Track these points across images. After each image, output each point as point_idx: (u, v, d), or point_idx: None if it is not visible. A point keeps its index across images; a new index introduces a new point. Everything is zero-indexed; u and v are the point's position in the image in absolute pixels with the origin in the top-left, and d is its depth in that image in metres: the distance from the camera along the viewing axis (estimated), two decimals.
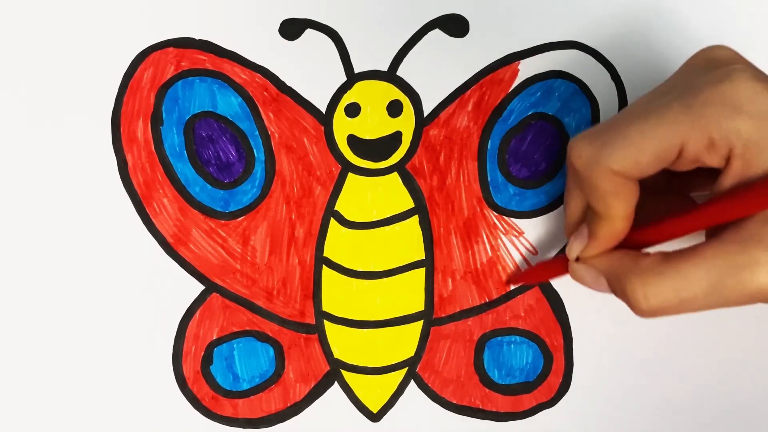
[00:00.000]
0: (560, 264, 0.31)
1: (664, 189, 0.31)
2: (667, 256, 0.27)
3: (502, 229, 0.35)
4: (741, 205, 0.25)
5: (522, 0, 0.34)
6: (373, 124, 0.34)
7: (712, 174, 0.27)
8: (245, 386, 0.35)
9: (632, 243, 0.29)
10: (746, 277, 0.25)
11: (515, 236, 0.35)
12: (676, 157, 0.26)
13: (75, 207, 0.34)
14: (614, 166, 0.26)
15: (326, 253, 0.34)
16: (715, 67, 0.26)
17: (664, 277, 0.26)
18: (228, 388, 0.35)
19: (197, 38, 0.34)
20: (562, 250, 0.34)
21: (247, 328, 0.35)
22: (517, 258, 0.35)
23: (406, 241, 0.34)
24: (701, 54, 0.28)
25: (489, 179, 0.34)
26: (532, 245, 0.35)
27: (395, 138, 0.34)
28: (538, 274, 0.34)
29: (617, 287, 0.28)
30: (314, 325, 0.35)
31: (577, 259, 0.30)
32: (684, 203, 0.31)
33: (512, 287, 0.35)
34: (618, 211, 0.27)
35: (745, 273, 0.25)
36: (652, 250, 0.28)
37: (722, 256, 0.25)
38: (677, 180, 0.30)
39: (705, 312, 0.35)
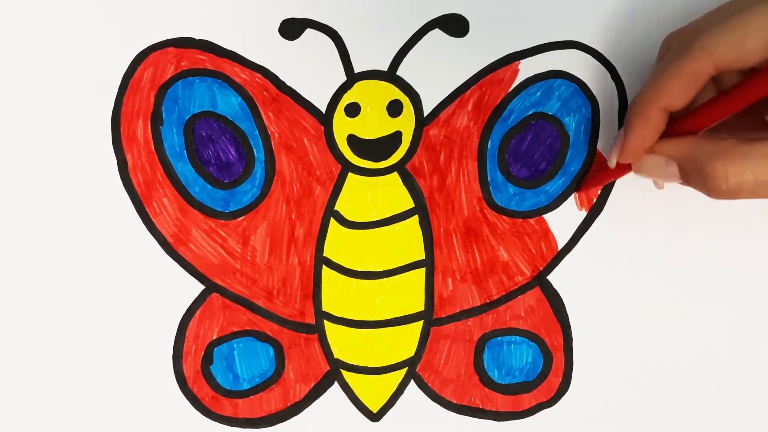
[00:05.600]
0: (620, 167, 0.32)
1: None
2: (749, 139, 0.27)
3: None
4: None
5: (522, 0, 0.34)
6: (373, 124, 0.34)
7: None
8: (245, 386, 0.35)
9: (693, 126, 0.29)
10: None
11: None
12: None
13: (75, 207, 0.34)
14: (716, 52, 0.27)
15: (326, 253, 0.34)
16: None
17: (748, 158, 0.27)
18: (228, 388, 0.35)
19: (197, 38, 0.34)
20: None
21: (247, 328, 0.35)
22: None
23: (406, 241, 0.34)
24: None
25: (489, 179, 0.34)
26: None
27: (395, 138, 0.34)
28: (604, 176, 0.34)
29: (693, 170, 0.29)
30: (314, 325, 0.35)
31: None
32: (755, 121, 0.31)
33: (580, 193, 0.35)
34: (676, 90, 0.28)
35: None
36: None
37: None
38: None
39: (705, 313, 0.35)
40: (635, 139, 0.30)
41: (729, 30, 0.26)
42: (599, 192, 0.35)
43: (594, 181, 0.34)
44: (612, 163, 0.31)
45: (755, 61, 0.26)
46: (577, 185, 0.34)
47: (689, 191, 0.34)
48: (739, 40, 0.26)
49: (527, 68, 0.34)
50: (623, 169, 0.32)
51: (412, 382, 0.35)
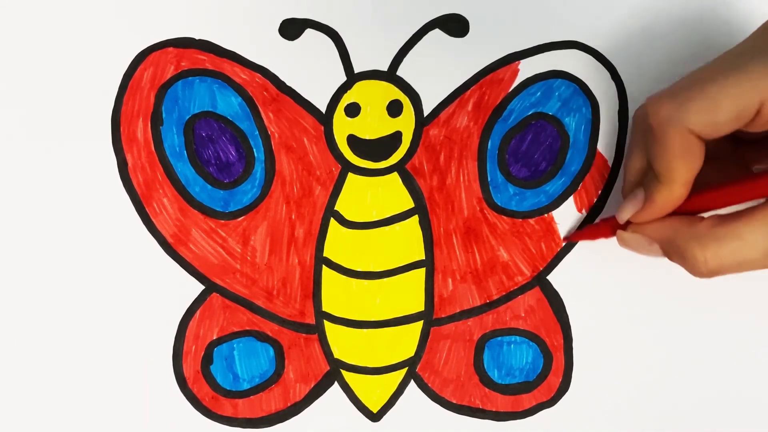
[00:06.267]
0: (610, 226, 0.32)
1: (724, 157, 0.31)
2: (723, 220, 0.27)
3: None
4: None
5: (522, 0, 0.34)
6: (373, 124, 0.34)
7: None
8: (245, 386, 0.35)
9: (687, 209, 0.29)
10: None
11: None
12: (753, 117, 0.26)
13: (75, 207, 0.34)
14: (692, 125, 0.26)
15: (326, 253, 0.34)
16: None
17: (723, 242, 0.27)
18: (228, 388, 0.35)
19: (197, 38, 0.34)
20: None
21: (247, 328, 0.35)
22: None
23: (406, 241, 0.34)
24: None
25: (489, 179, 0.34)
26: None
27: (395, 138, 0.34)
28: (590, 233, 0.34)
29: (673, 253, 0.29)
30: (314, 325, 0.35)
31: (626, 226, 0.31)
32: (741, 172, 0.31)
33: (563, 243, 0.35)
34: (681, 175, 0.28)
35: None
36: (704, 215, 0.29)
37: None
38: (740, 150, 0.31)
39: (705, 313, 0.35)
40: (656, 209, 0.29)
41: (704, 107, 0.26)
42: (599, 192, 0.35)
43: (582, 234, 0.34)
44: (623, 219, 0.31)
45: (727, 131, 0.26)
46: (566, 236, 0.35)
47: None
48: (712, 117, 0.26)
49: (527, 68, 0.34)
50: (609, 233, 0.32)
51: (412, 382, 0.35)
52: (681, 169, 0.28)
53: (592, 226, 0.34)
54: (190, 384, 0.35)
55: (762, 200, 0.28)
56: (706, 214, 0.29)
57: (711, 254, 0.27)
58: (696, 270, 0.28)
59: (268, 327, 0.35)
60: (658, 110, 0.27)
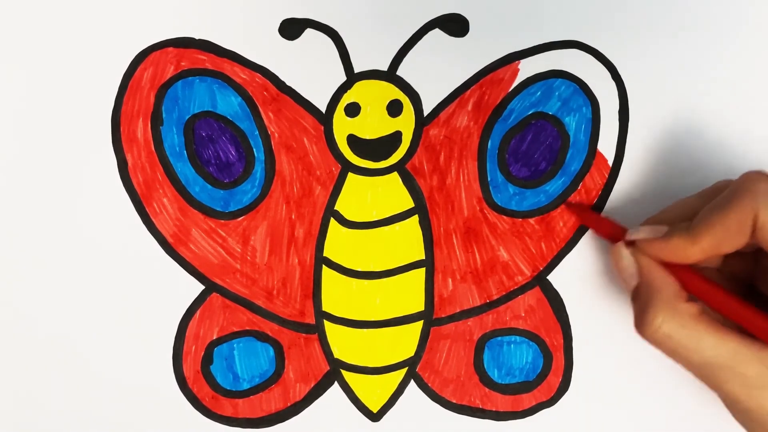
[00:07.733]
0: (615, 232, 0.32)
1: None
2: (701, 314, 0.28)
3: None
4: None
5: (522, 0, 0.34)
6: (373, 124, 0.34)
7: None
8: (245, 386, 0.35)
9: (688, 285, 0.29)
10: (756, 393, 0.27)
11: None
12: None
13: (75, 207, 0.34)
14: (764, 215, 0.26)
15: (326, 253, 0.34)
16: None
17: (686, 329, 0.27)
18: (228, 388, 0.35)
19: (197, 38, 0.34)
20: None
21: (247, 328, 0.35)
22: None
23: (406, 241, 0.34)
24: None
25: (489, 179, 0.34)
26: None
27: (395, 138, 0.34)
28: (596, 223, 0.33)
29: (642, 299, 0.29)
30: (314, 325, 0.35)
31: (630, 244, 0.31)
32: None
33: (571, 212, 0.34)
34: (712, 238, 0.28)
35: (758, 391, 0.26)
36: None
37: (743, 354, 0.26)
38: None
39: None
40: (665, 250, 0.29)
41: None
42: (599, 192, 0.35)
43: (590, 218, 0.34)
44: (632, 237, 0.30)
45: None
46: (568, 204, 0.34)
47: (688, 194, 0.34)
48: None
49: (527, 68, 0.34)
50: (616, 238, 0.32)
51: (412, 382, 0.35)
52: (716, 234, 0.27)
53: (602, 217, 0.33)
54: (190, 384, 0.35)
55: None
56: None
57: (666, 328, 0.28)
58: (642, 327, 0.28)
59: (268, 327, 0.35)
60: (758, 183, 0.27)
